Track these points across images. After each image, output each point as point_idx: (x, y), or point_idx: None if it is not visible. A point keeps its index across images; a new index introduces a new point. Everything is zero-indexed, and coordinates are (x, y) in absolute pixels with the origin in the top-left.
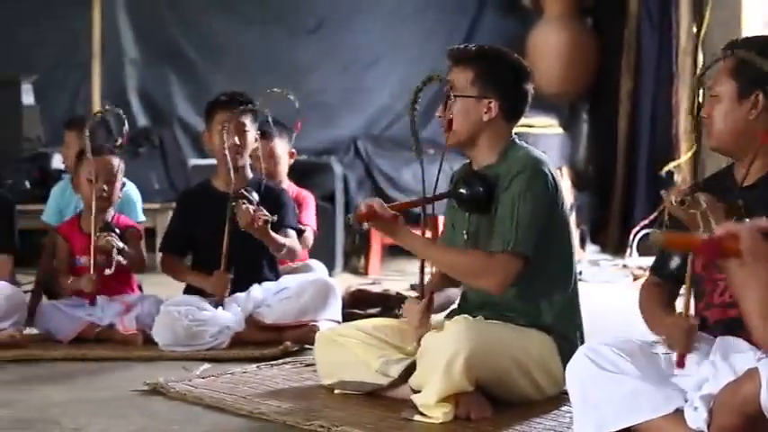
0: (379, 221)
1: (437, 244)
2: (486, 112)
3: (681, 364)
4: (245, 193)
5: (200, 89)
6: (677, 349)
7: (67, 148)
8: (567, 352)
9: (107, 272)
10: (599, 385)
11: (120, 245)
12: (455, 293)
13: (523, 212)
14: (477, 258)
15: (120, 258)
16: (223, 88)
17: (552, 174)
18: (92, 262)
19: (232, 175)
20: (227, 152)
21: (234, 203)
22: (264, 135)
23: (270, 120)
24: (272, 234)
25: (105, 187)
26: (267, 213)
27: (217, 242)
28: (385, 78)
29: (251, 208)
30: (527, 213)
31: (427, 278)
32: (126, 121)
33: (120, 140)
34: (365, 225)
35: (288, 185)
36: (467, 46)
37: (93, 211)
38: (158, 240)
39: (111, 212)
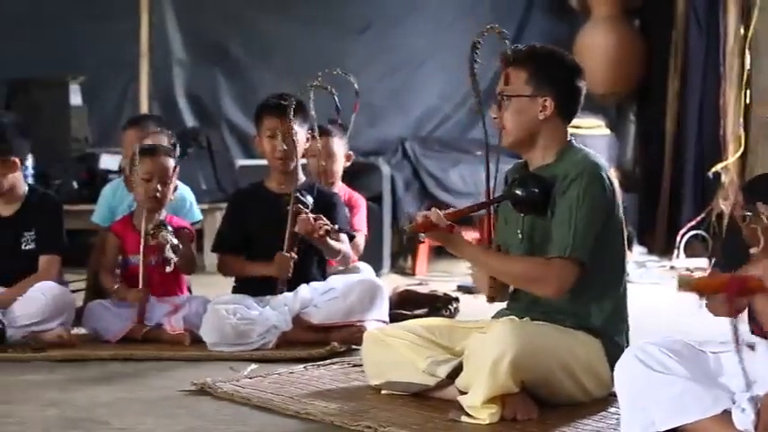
0: (436, 231)
1: (494, 252)
2: (541, 111)
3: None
4: (300, 197)
5: (247, 90)
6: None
7: (126, 147)
8: (614, 355)
9: (167, 269)
10: (647, 386)
11: (175, 241)
12: None
13: (581, 218)
14: (535, 265)
15: (173, 256)
16: (271, 89)
17: (609, 178)
18: (141, 262)
19: (283, 177)
20: (277, 156)
21: (289, 206)
22: (322, 132)
23: (315, 123)
24: (330, 241)
25: (159, 187)
26: (328, 222)
27: (270, 242)
28: (432, 79)
29: (311, 216)
30: (584, 219)
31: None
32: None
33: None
34: (421, 236)
35: (340, 187)
36: (518, 46)
37: (144, 224)
38: (206, 241)
39: (163, 213)
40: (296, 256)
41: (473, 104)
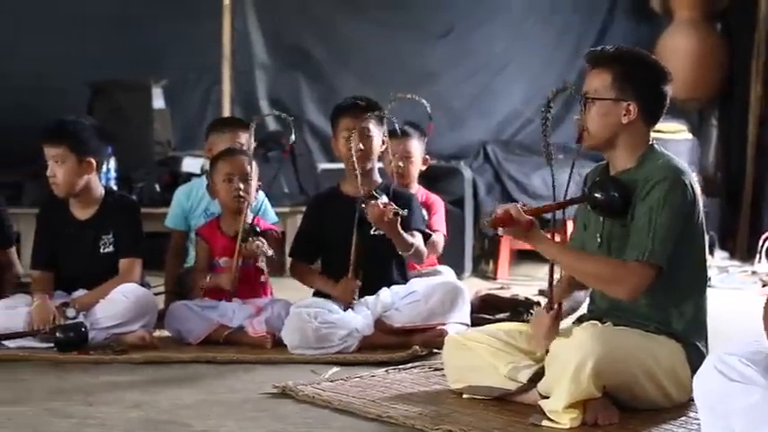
0: (515, 226)
1: (571, 249)
2: (624, 115)
3: None
4: (374, 194)
5: (329, 93)
6: None
7: (210, 150)
8: (695, 360)
9: (262, 279)
10: (727, 397)
11: (270, 252)
12: (582, 297)
13: (661, 223)
14: (611, 266)
15: (264, 266)
16: (352, 92)
17: (691, 184)
18: (235, 262)
19: (359, 179)
20: (353, 158)
21: (363, 206)
22: (402, 134)
23: (396, 124)
24: (401, 231)
25: (241, 186)
26: (397, 207)
27: (346, 247)
28: (514, 83)
29: (380, 202)
30: (664, 224)
31: (556, 282)
32: (293, 130)
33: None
34: (500, 230)
35: (417, 189)
36: (604, 48)
37: (241, 225)
38: (288, 244)
39: (249, 215)
40: (360, 283)
41: (543, 151)
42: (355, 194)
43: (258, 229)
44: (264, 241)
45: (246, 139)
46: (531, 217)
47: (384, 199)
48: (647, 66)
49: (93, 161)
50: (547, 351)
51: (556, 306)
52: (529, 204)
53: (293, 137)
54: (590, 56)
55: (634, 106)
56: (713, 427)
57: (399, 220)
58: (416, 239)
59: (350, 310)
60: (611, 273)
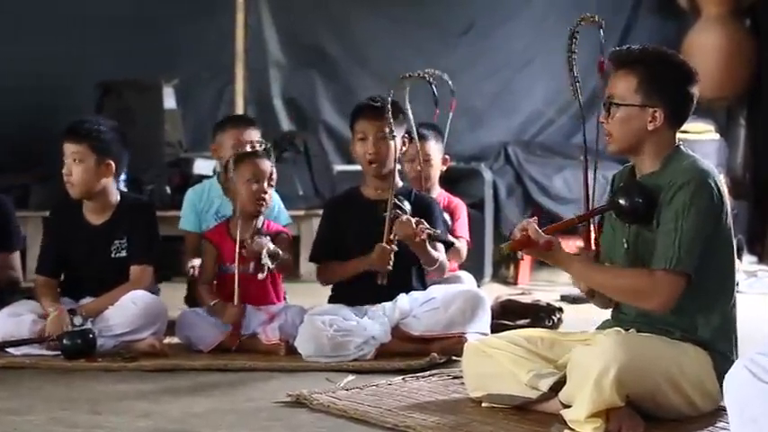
0: (535, 248)
1: (596, 266)
2: (650, 122)
3: None
4: (397, 202)
5: (345, 92)
6: None
7: (224, 149)
8: (723, 368)
9: (260, 276)
10: (758, 398)
11: (272, 246)
12: None
13: (687, 228)
14: (639, 278)
15: (269, 262)
16: (369, 91)
17: (718, 186)
18: (236, 288)
19: (372, 181)
20: (367, 160)
21: (386, 212)
22: (419, 137)
23: (414, 128)
24: (428, 248)
25: (266, 189)
26: (429, 227)
27: (366, 250)
28: (536, 83)
29: (413, 220)
30: (691, 229)
31: None
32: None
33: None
34: (519, 254)
35: (439, 193)
36: (630, 48)
37: (239, 231)
38: (302, 247)
39: (261, 219)
40: (396, 248)
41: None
42: (376, 197)
43: (267, 234)
44: (268, 237)
45: (256, 137)
46: (550, 236)
47: (407, 206)
48: (673, 67)
49: (112, 164)
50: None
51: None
52: (554, 213)
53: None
54: (614, 56)
55: (660, 113)
56: (743, 430)
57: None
58: (440, 253)
59: (366, 317)
60: (639, 286)
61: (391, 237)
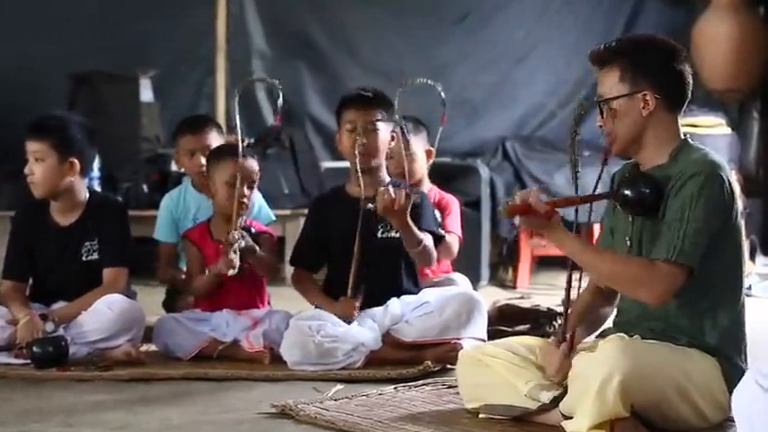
0: (533, 217)
1: (593, 247)
2: (643, 107)
3: None
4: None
5: (333, 84)
6: None
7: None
8: (731, 376)
9: (230, 272)
10: (767, 411)
11: (250, 243)
12: (606, 313)
13: (693, 219)
14: (637, 266)
15: (235, 258)
16: (359, 83)
17: (729, 180)
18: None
19: (361, 178)
20: (356, 154)
21: (368, 208)
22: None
23: (404, 125)
24: (411, 224)
25: (246, 192)
26: (410, 189)
27: (349, 252)
28: (536, 74)
29: (391, 189)
30: (697, 221)
31: (573, 296)
32: (281, 96)
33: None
34: (516, 219)
35: (430, 189)
36: (606, 44)
37: (234, 218)
38: (288, 249)
39: (242, 219)
40: (359, 304)
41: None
42: (360, 195)
43: (253, 231)
44: (246, 234)
45: (216, 141)
46: (550, 207)
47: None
48: (653, 48)
49: (76, 162)
50: (559, 384)
51: (569, 336)
52: (551, 197)
53: (280, 101)
54: (593, 56)
55: (651, 95)
56: None
57: (411, 205)
58: (426, 237)
59: (355, 322)
60: (636, 274)
61: (358, 283)
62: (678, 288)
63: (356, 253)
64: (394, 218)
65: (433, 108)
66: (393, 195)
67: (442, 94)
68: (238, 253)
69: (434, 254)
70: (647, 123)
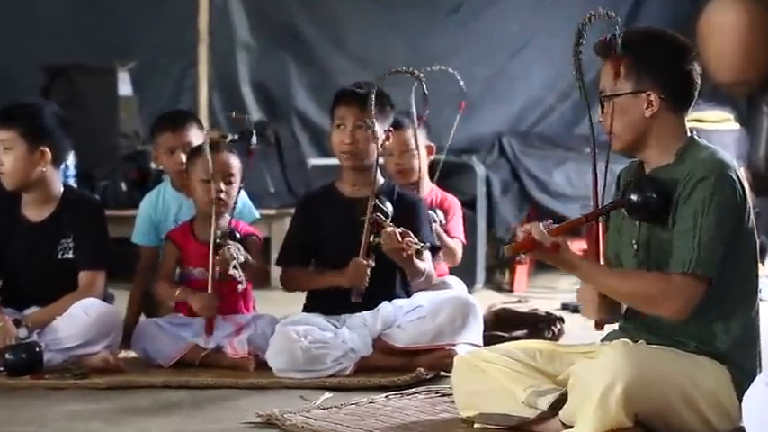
0: (539, 251)
1: (607, 269)
2: (647, 108)
3: None
4: (378, 204)
5: (321, 78)
6: None
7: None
8: (742, 384)
9: (240, 287)
10: None
11: (242, 257)
12: None
13: (707, 227)
14: (654, 282)
15: (236, 273)
16: (348, 77)
17: (740, 180)
18: (210, 276)
19: (349, 177)
20: (341, 150)
21: (365, 216)
22: (394, 126)
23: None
24: (416, 261)
25: (223, 188)
26: (416, 240)
27: (342, 253)
28: (533, 67)
29: (398, 232)
30: (711, 228)
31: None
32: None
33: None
34: (522, 256)
35: (431, 189)
36: (613, 35)
37: (212, 232)
38: (274, 251)
39: (226, 219)
40: (373, 264)
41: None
42: (353, 194)
43: (238, 235)
44: (240, 246)
45: (197, 138)
46: (555, 238)
47: (389, 207)
48: (661, 44)
49: (47, 151)
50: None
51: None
52: (556, 211)
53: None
54: (598, 47)
55: (655, 96)
56: None
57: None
58: (427, 263)
59: (345, 327)
60: (654, 291)
61: (369, 247)
62: (698, 300)
63: (366, 228)
64: (398, 260)
65: (418, 102)
66: (401, 242)
67: (462, 82)
68: (239, 268)
69: (434, 274)
70: (651, 124)
